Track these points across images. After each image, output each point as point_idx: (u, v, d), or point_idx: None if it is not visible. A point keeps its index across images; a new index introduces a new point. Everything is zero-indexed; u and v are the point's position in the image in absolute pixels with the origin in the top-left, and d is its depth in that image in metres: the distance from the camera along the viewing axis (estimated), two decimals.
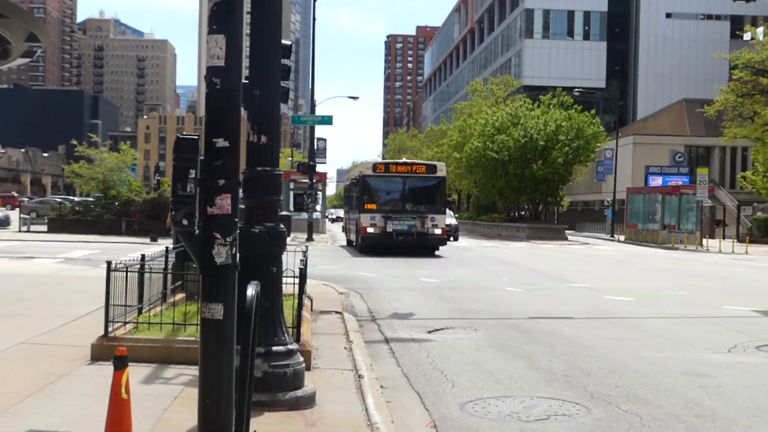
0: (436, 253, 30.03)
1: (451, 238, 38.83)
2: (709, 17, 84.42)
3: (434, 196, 29.63)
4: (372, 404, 7.43)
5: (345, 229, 41.17)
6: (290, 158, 58.85)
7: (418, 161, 35.89)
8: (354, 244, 31.98)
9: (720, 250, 40.22)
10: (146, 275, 10.46)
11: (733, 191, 63.09)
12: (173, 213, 4.28)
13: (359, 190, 29.60)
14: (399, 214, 27.97)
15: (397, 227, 27.46)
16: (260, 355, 6.97)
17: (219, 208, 4.01)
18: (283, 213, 7.55)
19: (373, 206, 28.48)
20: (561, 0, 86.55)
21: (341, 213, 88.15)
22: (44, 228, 44.74)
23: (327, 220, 71.94)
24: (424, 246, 28.69)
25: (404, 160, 33.45)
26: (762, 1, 38.23)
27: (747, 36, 71.46)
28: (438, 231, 28.34)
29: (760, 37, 64.92)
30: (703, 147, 69.80)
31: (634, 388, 8.63)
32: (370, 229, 27.70)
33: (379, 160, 33.36)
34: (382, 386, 8.49)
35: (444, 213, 30.19)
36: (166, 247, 12.79)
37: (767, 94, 58.93)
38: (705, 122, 67.79)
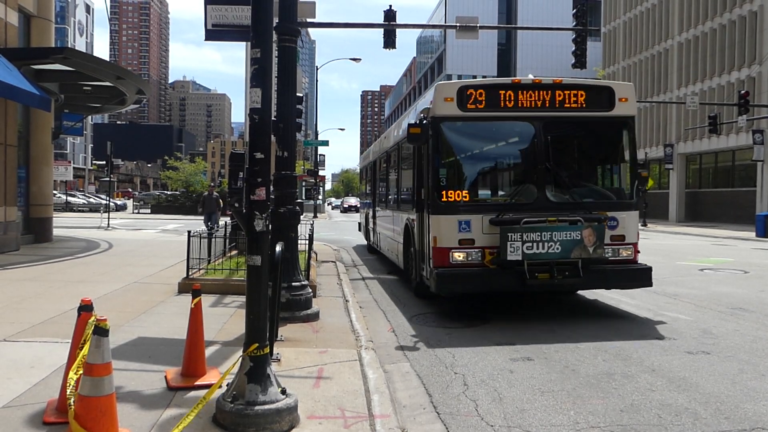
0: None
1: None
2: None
3: (613, 164, 7.17)
4: (354, 318, 7.39)
5: (368, 230, 15.73)
6: (303, 166, 58.36)
7: (569, 80, 6.66)
8: (411, 275, 8.97)
9: None
10: (212, 239, 10.36)
11: None
12: (229, 199, 4.23)
13: (422, 159, 7.39)
14: (535, 215, 6.29)
15: (536, 250, 6.06)
16: (284, 288, 6.90)
17: (257, 196, 3.94)
18: (298, 200, 7.45)
19: (464, 195, 6.58)
20: (469, 69, 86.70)
21: (352, 201, 51.39)
22: (148, 211, 44.22)
23: (326, 205, 71.80)
24: (590, 287, 7.22)
25: (530, 77, 6.48)
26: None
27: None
28: (627, 252, 6.72)
29: None
30: None
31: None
32: (461, 255, 6.49)
33: (468, 82, 5.47)
34: (360, 306, 8.45)
35: (635, 207, 6.93)
36: (225, 222, 12.63)
37: None
38: None
